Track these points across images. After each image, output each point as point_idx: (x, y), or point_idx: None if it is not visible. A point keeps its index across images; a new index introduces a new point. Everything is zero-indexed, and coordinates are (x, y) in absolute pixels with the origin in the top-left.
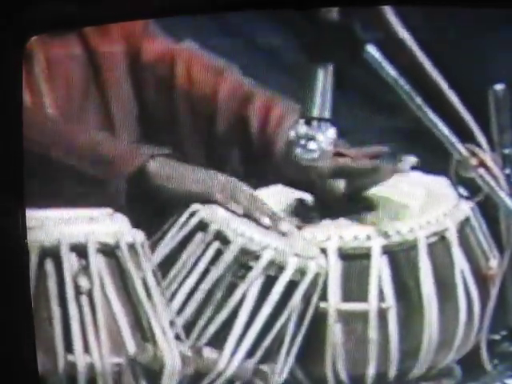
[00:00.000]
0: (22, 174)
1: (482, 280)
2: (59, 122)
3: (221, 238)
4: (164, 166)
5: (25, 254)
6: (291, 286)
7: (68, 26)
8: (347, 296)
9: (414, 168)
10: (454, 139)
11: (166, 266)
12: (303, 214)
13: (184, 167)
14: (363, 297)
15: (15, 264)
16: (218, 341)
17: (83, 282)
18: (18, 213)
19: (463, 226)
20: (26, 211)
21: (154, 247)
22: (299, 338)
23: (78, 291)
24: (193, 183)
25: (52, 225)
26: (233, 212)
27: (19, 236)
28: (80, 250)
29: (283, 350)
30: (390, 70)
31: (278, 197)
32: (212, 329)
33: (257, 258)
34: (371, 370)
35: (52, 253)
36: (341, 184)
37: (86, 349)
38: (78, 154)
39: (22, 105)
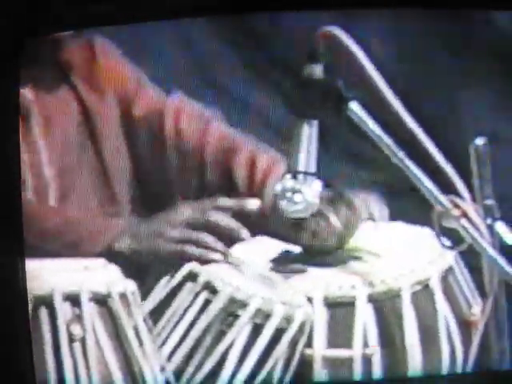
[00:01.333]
0: (21, 223)
1: (466, 326)
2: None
3: (209, 287)
4: (134, 235)
5: (24, 304)
6: (278, 334)
7: (64, 29)
8: (332, 343)
9: (395, 219)
10: (436, 191)
11: (156, 314)
12: (290, 264)
13: (155, 229)
14: (348, 343)
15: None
16: None
17: (76, 330)
18: (18, 263)
19: (446, 275)
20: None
21: (144, 296)
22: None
23: (71, 339)
24: (166, 244)
25: (46, 274)
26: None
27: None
28: (73, 299)
29: None
30: (373, 126)
31: (265, 247)
32: (201, 375)
33: (244, 306)
34: None
35: (46, 302)
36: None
37: None
38: (50, 238)
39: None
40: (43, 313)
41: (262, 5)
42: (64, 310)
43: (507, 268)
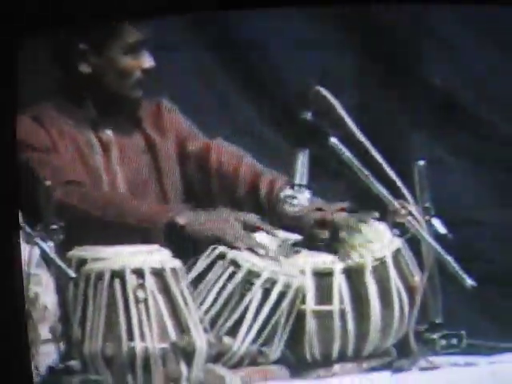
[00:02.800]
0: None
1: (410, 290)
2: (110, 194)
3: (234, 263)
4: (188, 217)
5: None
6: (281, 295)
7: (59, 27)
8: (319, 301)
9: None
10: (390, 197)
11: (196, 282)
12: (290, 248)
13: (203, 216)
14: (329, 301)
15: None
16: (232, 332)
17: (140, 295)
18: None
19: (397, 255)
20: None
21: (188, 270)
22: (287, 329)
23: (136, 300)
24: (211, 229)
25: (120, 255)
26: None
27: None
28: (138, 272)
29: (277, 337)
30: (347, 154)
31: (275, 234)
32: (228, 324)
33: (258, 276)
34: (335, 350)
35: (119, 275)
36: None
37: (142, 338)
38: (128, 215)
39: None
40: (117, 282)
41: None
42: (132, 280)
43: (438, 249)
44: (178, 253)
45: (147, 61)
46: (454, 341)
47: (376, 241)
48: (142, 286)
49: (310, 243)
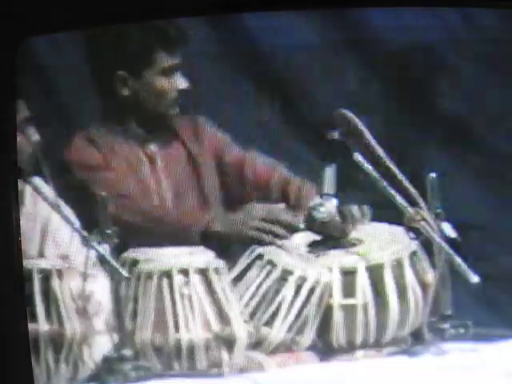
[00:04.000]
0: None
1: (424, 286)
2: (154, 206)
3: (271, 263)
4: (224, 221)
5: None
6: (311, 291)
7: (62, 29)
8: (344, 295)
9: (381, 221)
10: (406, 204)
11: (237, 280)
12: (319, 249)
13: (239, 219)
14: (354, 295)
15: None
16: (269, 323)
17: (186, 291)
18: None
19: (412, 256)
20: (150, 248)
21: (230, 269)
22: (317, 320)
23: (182, 296)
24: (246, 231)
25: (167, 257)
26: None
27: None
28: (184, 272)
29: (308, 327)
30: (368, 168)
31: (307, 238)
32: (266, 316)
33: (291, 274)
34: (359, 338)
35: (167, 274)
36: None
37: (187, 329)
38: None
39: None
40: (165, 281)
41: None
42: (178, 279)
43: (449, 250)
44: (219, 253)
45: (181, 82)
46: (462, 330)
47: (395, 243)
48: (187, 283)
49: (336, 244)
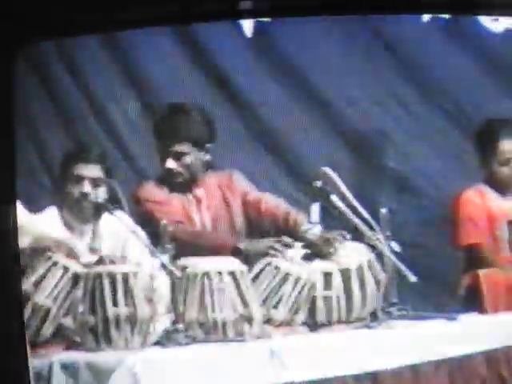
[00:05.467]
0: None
1: (378, 283)
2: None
3: (276, 268)
4: (246, 242)
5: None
6: (303, 286)
7: (59, 34)
8: (324, 289)
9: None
10: (365, 229)
11: (254, 279)
12: (309, 258)
13: (256, 241)
14: (330, 289)
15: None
16: (275, 307)
17: (221, 286)
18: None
19: (370, 263)
20: (196, 258)
21: (249, 272)
22: (306, 306)
23: (218, 290)
24: (260, 248)
25: (207, 264)
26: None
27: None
28: (219, 273)
29: (301, 310)
30: (341, 204)
31: (301, 251)
32: (273, 302)
33: (290, 275)
34: (334, 317)
35: (207, 275)
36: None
37: (221, 311)
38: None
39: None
40: (206, 280)
41: None
42: (215, 278)
43: (395, 260)
44: (243, 262)
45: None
46: (403, 312)
47: (358, 254)
48: (221, 281)
49: (319, 255)
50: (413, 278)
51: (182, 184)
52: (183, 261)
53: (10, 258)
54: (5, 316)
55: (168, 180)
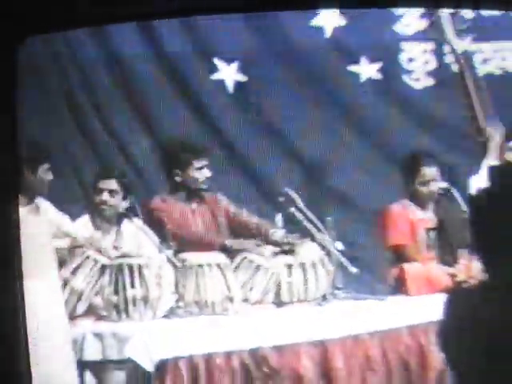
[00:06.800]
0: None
1: (328, 273)
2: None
3: (251, 262)
4: (231, 241)
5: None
6: (272, 275)
7: (62, 28)
8: (288, 276)
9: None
10: (317, 233)
11: (235, 269)
12: (275, 255)
13: (239, 241)
14: (292, 277)
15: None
16: (251, 290)
17: (211, 274)
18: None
19: (321, 258)
20: (192, 253)
21: (232, 264)
22: (274, 289)
23: (210, 277)
24: (243, 246)
25: (201, 257)
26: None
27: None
28: (209, 265)
29: (270, 292)
30: (299, 215)
31: (269, 249)
32: (249, 286)
33: (261, 266)
34: (295, 297)
35: (201, 265)
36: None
37: (212, 293)
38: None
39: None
40: (199, 269)
41: None
42: (207, 268)
43: (339, 256)
44: (226, 256)
45: (207, 173)
46: (347, 295)
47: (312, 251)
48: (211, 270)
49: (284, 252)
50: (353, 270)
51: (182, 198)
52: (183, 255)
53: (10, 257)
54: (5, 316)
55: (172, 194)
